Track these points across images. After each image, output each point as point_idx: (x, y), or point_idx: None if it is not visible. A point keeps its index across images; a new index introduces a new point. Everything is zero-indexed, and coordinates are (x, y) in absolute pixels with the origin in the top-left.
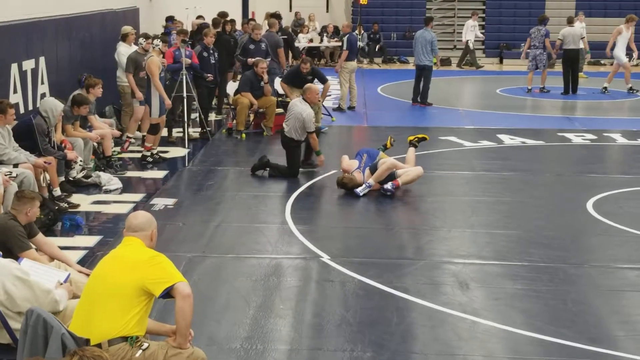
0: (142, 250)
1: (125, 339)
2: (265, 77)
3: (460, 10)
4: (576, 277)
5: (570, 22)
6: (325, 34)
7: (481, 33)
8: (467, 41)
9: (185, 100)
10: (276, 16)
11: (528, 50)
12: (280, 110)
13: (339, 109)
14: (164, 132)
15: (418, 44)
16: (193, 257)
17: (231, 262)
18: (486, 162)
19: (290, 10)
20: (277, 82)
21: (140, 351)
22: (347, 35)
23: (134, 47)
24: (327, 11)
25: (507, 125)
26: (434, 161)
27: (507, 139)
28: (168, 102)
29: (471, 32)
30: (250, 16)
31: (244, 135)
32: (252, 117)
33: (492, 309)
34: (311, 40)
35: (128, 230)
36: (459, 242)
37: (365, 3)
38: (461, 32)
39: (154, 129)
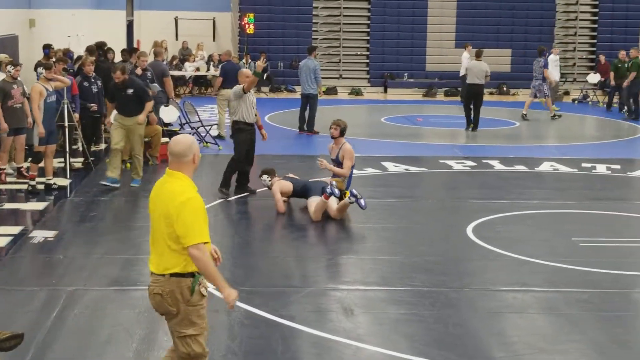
0: (175, 192)
1: (181, 274)
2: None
3: (345, 41)
4: (457, 300)
5: (478, 55)
6: (212, 63)
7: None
8: (464, 75)
9: (67, 129)
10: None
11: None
12: (165, 139)
13: (218, 136)
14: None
15: (303, 72)
16: (74, 291)
17: (114, 295)
18: (371, 189)
19: (177, 39)
20: (163, 110)
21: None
22: (223, 64)
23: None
24: (214, 40)
25: (391, 153)
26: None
27: (392, 167)
28: (41, 131)
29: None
30: (135, 45)
31: (128, 165)
32: None
33: (376, 334)
34: (198, 69)
35: (172, 156)
36: (344, 269)
37: (252, 32)
38: (347, 62)
39: (36, 157)
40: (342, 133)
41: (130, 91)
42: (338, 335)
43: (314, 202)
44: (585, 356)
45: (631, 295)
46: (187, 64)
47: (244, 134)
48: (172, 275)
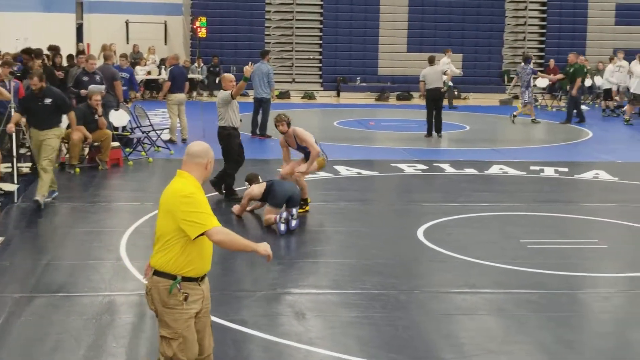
0: (178, 189)
1: (162, 274)
2: (100, 109)
3: (298, 45)
4: (407, 303)
5: (431, 61)
6: (163, 67)
7: (458, 69)
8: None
9: (14, 134)
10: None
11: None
12: (116, 143)
13: (170, 141)
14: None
15: (255, 76)
16: (20, 298)
17: (61, 302)
18: (323, 193)
19: (128, 43)
20: (113, 114)
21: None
22: (171, 68)
23: None
24: (166, 44)
25: (343, 157)
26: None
27: (344, 170)
28: None
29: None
30: (85, 48)
31: (77, 169)
32: (86, 151)
33: (327, 338)
34: (149, 73)
35: (186, 155)
36: (296, 273)
37: (204, 36)
38: (300, 66)
39: None
40: (289, 125)
41: (48, 101)
42: (289, 339)
43: (268, 212)
44: (531, 356)
45: (577, 296)
46: (138, 67)
47: (233, 139)
48: (155, 273)
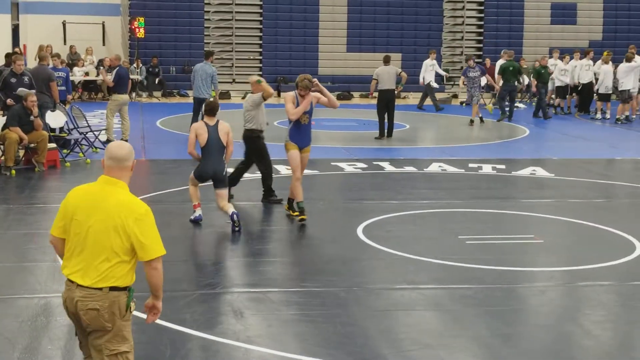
0: (127, 204)
1: (119, 288)
2: (35, 110)
3: (238, 45)
4: (346, 300)
5: (386, 61)
6: (102, 67)
7: (443, 70)
8: (428, 82)
9: None
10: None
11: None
12: (52, 145)
13: (108, 141)
14: None
15: (198, 77)
16: None
17: None
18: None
19: (65, 44)
20: (49, 115)
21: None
22: (117, 68)
23: None
24: (104, 44)
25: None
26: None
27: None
28: None
29: (430, 71)
30: (22, 49)
31: (13, 171)
32: (22, 152)
33: (266, 336)
34: (87, 74)
35: (113, 160)
36: (235, 271)
37: (143, 37)
38: (240, 66)
39: None
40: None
41: None
42: (227, 337)
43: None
44: (468, 350)
45: (513, 290)
46: (75, 68)
47: (260, 141)
48: (111, 289)
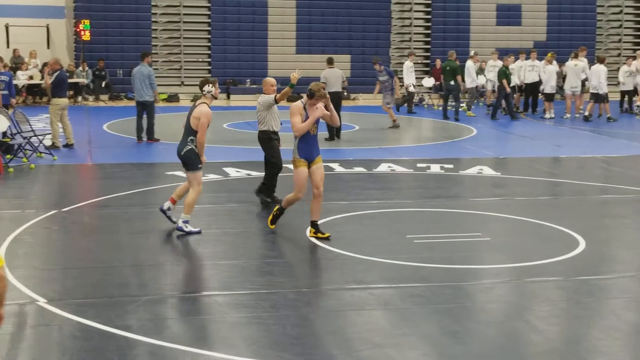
0: None
1: None
2: None
3: (186, 47)
4: (296, 301)
5: (330, 63)
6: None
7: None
8: (408, 85)
9: None
10: None
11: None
12: None
13: (53, 146)
14: None
15: (136, 79)
16: None
17: None
18: (212, 196)
19: (8, 47)
20: None
21: None
22: (58, 72)
23: None
24: (49, 47)
25: (233, 159)
26: (160, 196)
27: (233, 172)
28: None
29: (410, 73)
30: None
31: (11, 169)
32: None
33: (214, 339)
34: (31, 77)
35: None
36: (183, 275)
37: (88, 39)
38: (188, 68)
39: None
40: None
41: None
42: (175, 342)
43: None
44: (417, 348)
45: (461, 288)
46: (19, 72)
47: (273, 142)
48: None
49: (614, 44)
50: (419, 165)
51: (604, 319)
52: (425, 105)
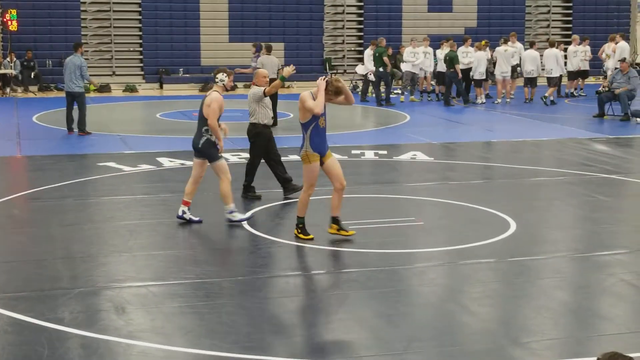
0: None
1: None
2: None
3: (117, 37)
4: (231, 289)
5: (269, 50)
6: None
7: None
8: (367, 73)
9: None
10: None
11: None
12: None
13: None
14: None
15: (67, 70)
16: None
17: None
18: (146, 186)
19: None
20: None
21: None
22: None
23: None
24: None
25: (167, 149)
26: (92, 188)
27: (167, 162)
28: None
29: (371, 61)
30: None
31: None
32: None
33: (148, 330)
34: None
35: None
36: (117, 267)
37: (16, 29)
38: (120, 58)
39: None
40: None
41: None
42: (108, 334)
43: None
44: (353, 332)
45: (395, 272)
46: None
47: (261, 138)
48: None
49: (542, 30)
50: (353, 152)
51: (535, 299)
52: (359, 92)
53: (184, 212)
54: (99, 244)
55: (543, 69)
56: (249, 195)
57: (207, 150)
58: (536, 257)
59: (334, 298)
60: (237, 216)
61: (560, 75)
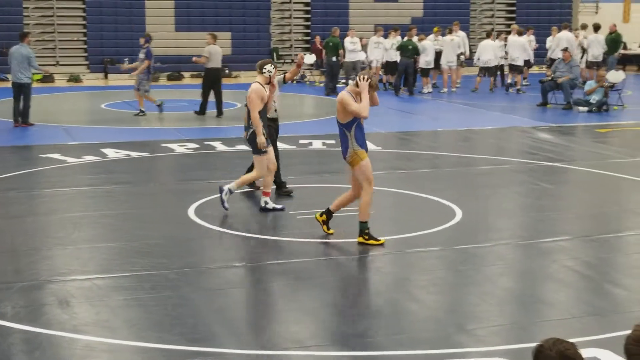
0: None
1: None
2: None
3: (60, 26)
4: (177, 281)
5: (215, 39)
6: None
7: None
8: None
9: None
10: None
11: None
12: None
13: None
14: None
15: (14, 60)
16: None
17: None
18: (90, 177)
19: None
20: None
21: None
22: None
23: None
24: None
25: (112, 140)
26: (35, 180)
27: (112, 153)
28: None
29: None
30: None
31: None
32: None
33: (93, 323)
34: None
35: None
36: (61, 260)
37: None
38: (63, 48)
39: None
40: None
41: None
42: (52, 328)
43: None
44: (299, 323)
45: (343, 262)
46: None
47: (269, 130)
48: None
49: (487, 19)
50: (301, 141)
51: (481, 286)
52: (307, 82)
53: (266, 202)
54: (42, 237)
55: (506, 58)
56: (282, 192)
57: (252, 142)
58: (481, 244)
59: (281, 288)
60: (271, 204)
61: (528, 61)
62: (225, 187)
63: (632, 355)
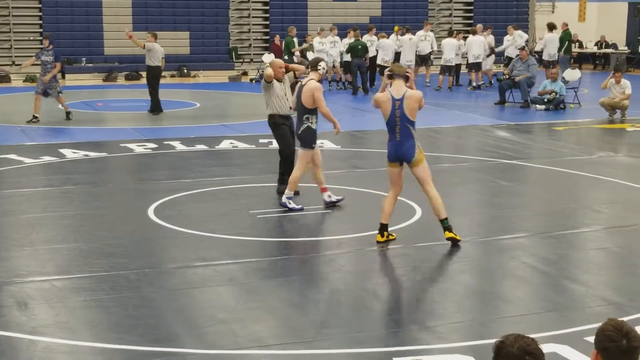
0: None
1: None
2: None
3: (16, 25)
4: (137, 282)
5: (155, 37)
6: None
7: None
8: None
9: None
10: None
11: None
12: None
13: None
14: None
15: None
16: None
17: None
18: (48, 178)
19: None
20: None
21: None
22: None
23: None
24: None
25: (69, 140)
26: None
27: (70, 153)
28: None
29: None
30: None
31: None
32: None
33: (52, 325)
34: None
35: None
36: (19, 262)
37: None
38: (19, 48)
39: None
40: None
41: None
42: (10, 330)
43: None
44: (262, 322)
45: (304, 260)
46: None
47: (280, 129)
48: None
49: (445, 19)
50: (261, 140)
51: (441, 283)
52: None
53: (330, 196)
54: None
55: (464, 57)
56: (280, 190)
57: (303, 137)
58: (441, 242)
59: (242, 287)
60: (292, 204)
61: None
62: (284, 198)
63: (605, 350)
